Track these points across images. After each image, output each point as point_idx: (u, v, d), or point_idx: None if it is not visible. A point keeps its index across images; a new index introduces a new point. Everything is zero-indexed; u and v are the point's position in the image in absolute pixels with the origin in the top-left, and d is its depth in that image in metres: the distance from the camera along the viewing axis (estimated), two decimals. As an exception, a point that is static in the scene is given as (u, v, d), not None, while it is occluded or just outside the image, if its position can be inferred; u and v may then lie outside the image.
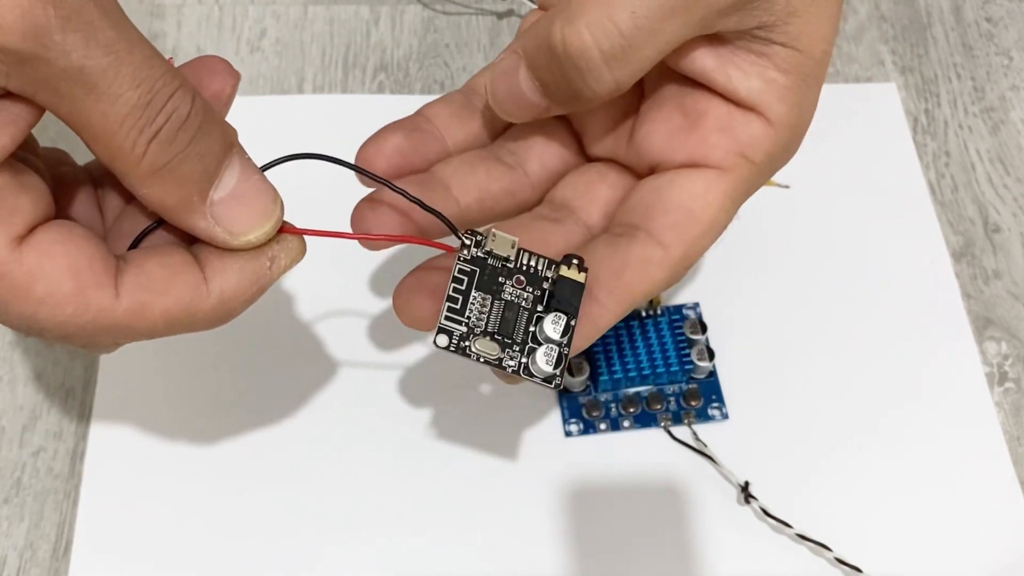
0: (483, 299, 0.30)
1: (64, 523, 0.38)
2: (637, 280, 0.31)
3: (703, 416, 0.41)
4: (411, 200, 0.30)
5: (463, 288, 0.30)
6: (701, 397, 0.41)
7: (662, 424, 0.41)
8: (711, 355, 0.41)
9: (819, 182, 0.47)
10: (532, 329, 0.30)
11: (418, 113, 0.35)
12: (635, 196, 0.33)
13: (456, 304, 0.30)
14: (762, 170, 0.33)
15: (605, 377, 0.40)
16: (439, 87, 0.49)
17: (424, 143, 0.34)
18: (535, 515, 0.39)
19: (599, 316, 0.31)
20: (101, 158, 0.26)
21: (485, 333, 0.30)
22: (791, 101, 0.32)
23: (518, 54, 0.31)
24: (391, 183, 0.30)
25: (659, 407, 0.41)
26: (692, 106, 0.32)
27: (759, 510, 0.39)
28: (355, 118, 0.47)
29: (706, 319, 0.43)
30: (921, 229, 0.46)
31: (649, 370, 0.41)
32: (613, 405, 0.41)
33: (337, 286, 0.43)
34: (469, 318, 0.30)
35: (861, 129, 0.48)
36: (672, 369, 0.41)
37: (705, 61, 0.31)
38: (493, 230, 0.30)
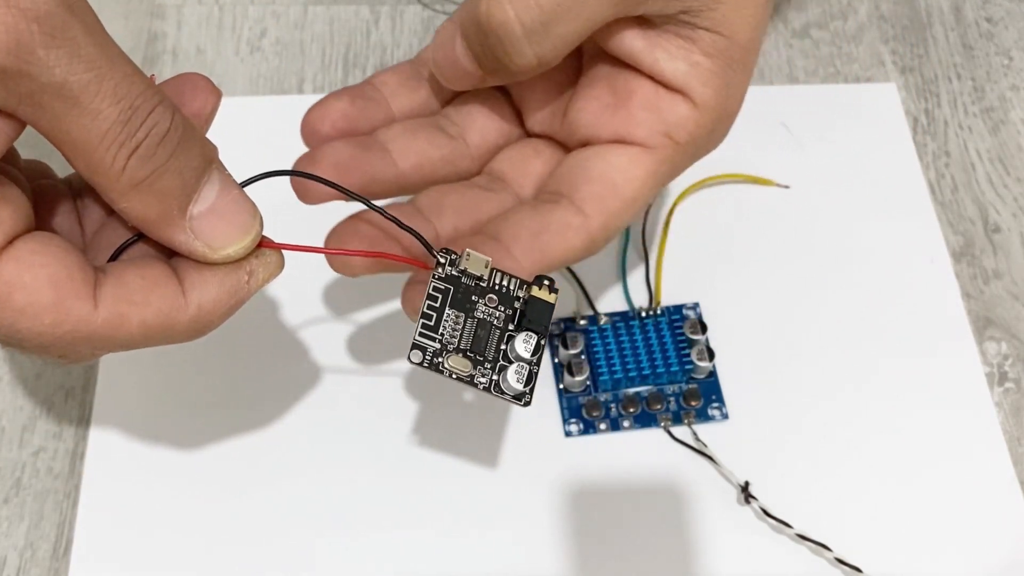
0: (456, 317, 0.31)
1: (64, 523, 0.38)
2: (554, 243, 0.33)
3: (703, 416, 0.41)
4: (388, 218, 0.31)
5: (437, 306, 0.30)
6: (701, 397, 0.41)
7: (662, 424, 0.41)
8: (711, 355, 0.41)
9: (819, 182, 0.47)
10: (503, 347, 0.31)
11: (367, 81, 0.36)
12: (563, 166, 0.34)
13: (430, 321, 0.30)
14: (686, 151, 0.34)
15: (605, 377, 0.40)
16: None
17: (369, 109, 0.35)
18: (535, 515, 0.39)
19: (511, 272, 0.32)
20: (82, 172, 0.26)
21: (458, 350, 0.30)
22: (716, 85, 0.33)
23: (455, 24, 0.32)
24: (368, 201, 0.31)
25: (659, 407, 0.41)
26: (622, 86, 0.34)
27: (759, 510, 0.39)
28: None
29: (706, 319, 0.43)
30: (921, 229, 0.46)
31: (649, 370, 0.41)
32: (613, 405, 0.41)
33: (337, 288, 0.43)
34: (443, 335, 0.30)
35: (861, 129, 0.48)
36: (672, 369, 0.41)
37: (634, 43, 0.33)
38: (468, 250, 0.31)
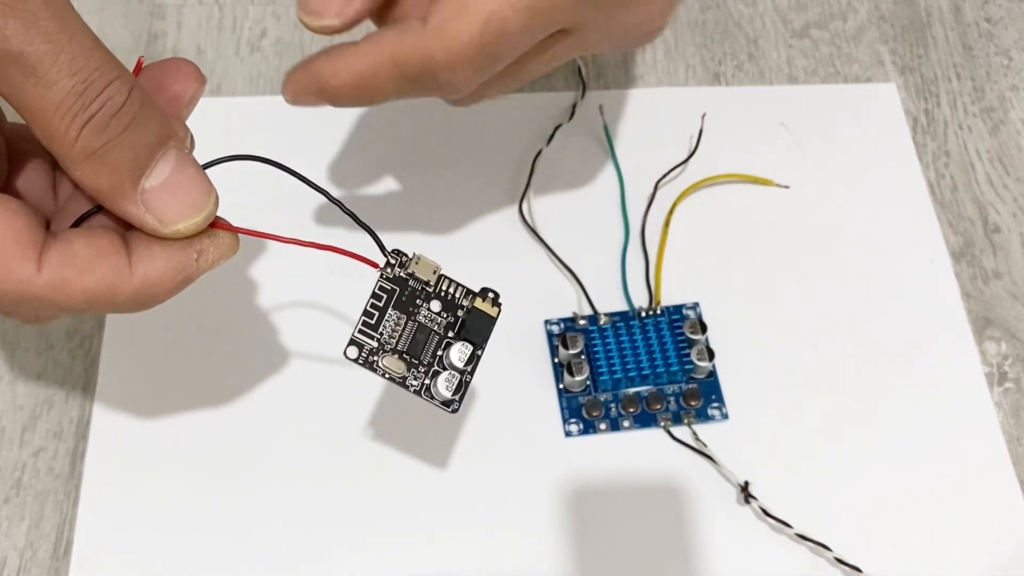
0: (398, 318, 0.31)
1: (64, 523, 0.38)
2: (394, 41, 0.34)
3: (703, 416, 0.41)
4: (346, 212, 0.31)
5: (381, 305, 0.31)
6: (701, 397, 0.41)
7: (662, 424, 0.41)
8: (711, 355, 0.41)
9: (819, 182, 0.47)
10: (440, 353, 0.31)
11: None
12: None
13: (371, 320, 0.31)
14: None
15: (605, 377, 0.40)
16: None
17: None
18: (535, 515, 0.39)
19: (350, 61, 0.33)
20: (40, 139, 0.27)
21: (395, 351, 0.31)
22: None
23: None
24: (329, 194, 0.31)
25: (659, 407, 0.41)
26: None
27: (759, 510, 0.39)
28: (354, 119, 0.47)
29: (706, 319, 0.43)
30: (921, 229, 0.46)
31: (649, 370, 0.41)
32: (613, 405, 0.41)
33: (342, 289, 0.43)
34: (382, 335, 0.31)
35: (861, 129, 0.48)
36: (672, 369, 0.41)
37: None
38: (417, 254, 0.31)
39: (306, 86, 0.36)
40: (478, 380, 0.41)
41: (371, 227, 0.31)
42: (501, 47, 0.33)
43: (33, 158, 0.31)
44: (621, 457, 0.40)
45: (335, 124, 0.47)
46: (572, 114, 0.47)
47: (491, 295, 0.32)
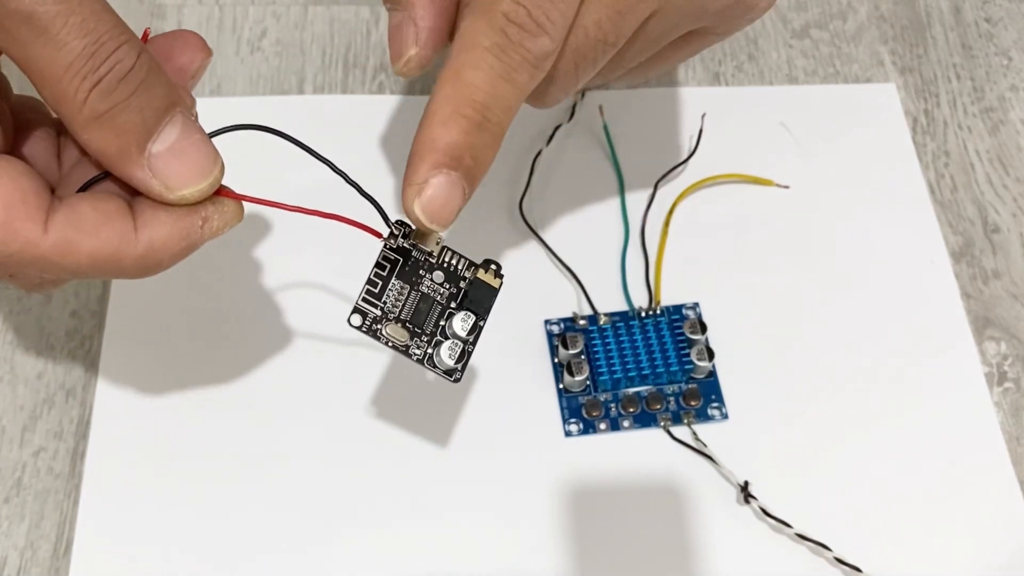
0: (401, 288, 0.31)
1: (64, 523, 0.38)
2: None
3: (703, 416, 0.41)
4: (350, 183, 0.31)
5: (384, 275, 0.31)
6: (701, 397, 0.41)
7: (662, 424, 0.41)
8: (711, 355, 0.41)
9: (819, 182, 0.47)
10: (442, 323, 0.32)
11: None
12: None
13: (375, 288, 0.31)
14: None
15: (605, 377, 0.40)
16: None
17: None
18: (535, 515, 0.39)
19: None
20: (47, 101, 0.28)
21: (398, 320, 0.31)
22: None
23: None
24: (333, 164, 0.31)
25: (659, 407, 0.41)
26: None
27: (759, 510, 0.39)
28: (355, 118, 0.47)
29: (706, 319, 0.43)
30: (921, 229, 0.46)
31: (649, 370, 0.41)
32: (613, 405, 0.41)
33: (344, 287, 0.43)
34: (385, 303, 0.31)
35: (861, 129, 0.48)
36: (672, 369, 0.41)
37: None
38: None
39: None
40: (477, 379, 0.41)
41: (376, 200, 0.31)
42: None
43: (38, 127, 0.31)
44: (621, 457, 0.40)
45: (335, 125, 0.47)
46: (572, 114, 0.47)
47: (493, 267, 0.32)
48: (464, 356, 0.32)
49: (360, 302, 0.31)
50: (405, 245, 0.32)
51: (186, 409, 0.40)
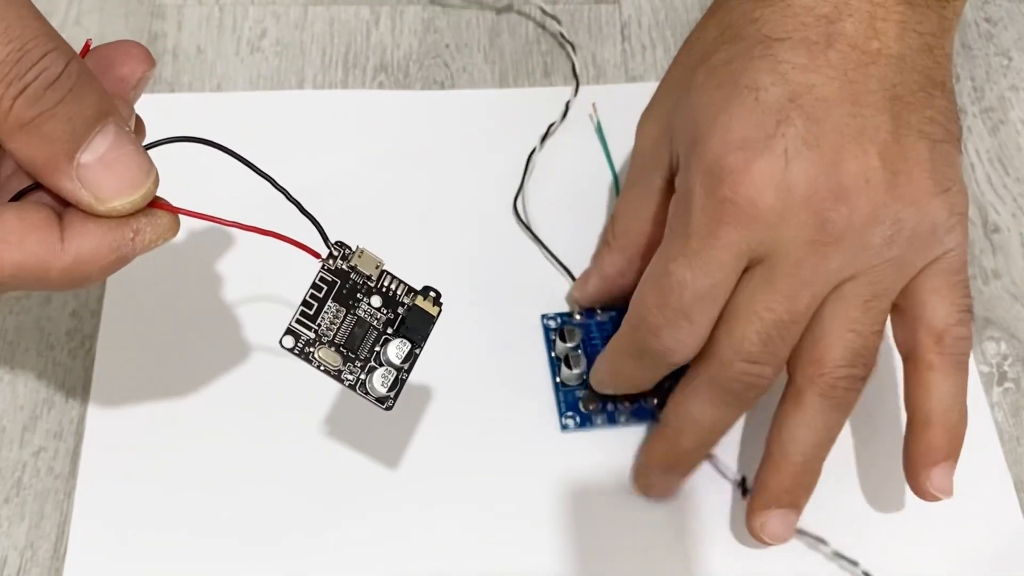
0: (337, 311, 0.31)
1: (64, 523, 0.38)
2: None
3: None
4: (291, 200, 0.30)
5: (320, 296, 0.31)
6: None
7: (659, 418, 0.41)
8: None
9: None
10: (377, 349, 0.31)
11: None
12: None
13: (310, 310, 0.31)
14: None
15: None
16: (439, 87, 0.49)
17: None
18: (530, 509, 0.39)
19: None
20: None
21: (332, 344, 0.31)
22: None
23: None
24: (276, 183, 0.30)
25: (655, 401, 0.41)
26: None
27: None
28: (355, 114, 0.48)
29: None
30: (920, 229, 0.46)
31: None
32: (609, 399, 0.41)
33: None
34: (320, 326, 0.31)
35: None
36: None
37: None
38: (361, 247, 0.31)
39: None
40: (474, 374, 0.41)
41: (316, 218, 0.30)
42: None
43: None
44: (617, 452, 0.40)
45: (334, 124, 0.47)
46: (566, 112, 0.47)
47: (432, 294, 0.32)
48: (397, 384, 0.31)
49: (293, 323, 0.30)
50: (344, 267, 0.31)
51: (181, 408, 0.40)
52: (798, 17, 0.35)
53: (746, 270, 0.34)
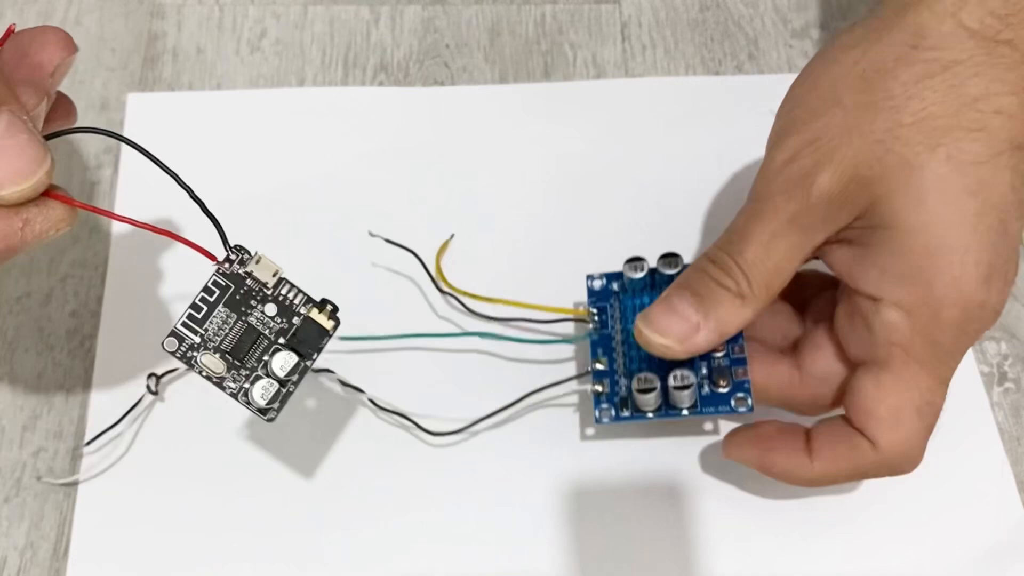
0: (227, 316, 0.30)
1: (64, 523, 0.38)
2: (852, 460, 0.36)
3: (725, 404, 0.37)
4: (195, 200, 0.29)
5: (211, 300, 0.30)
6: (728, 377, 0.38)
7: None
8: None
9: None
10: (266, 359, 0.30)
11: None
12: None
13: (198, 314, 0.30)
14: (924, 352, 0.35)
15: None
16: (439, 87, 0.49)
17: None
18: (534, 511, 0.39)
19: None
20: None
21: (217, 350, 0.30)
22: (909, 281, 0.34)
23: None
24: (181, 180, 0.29)
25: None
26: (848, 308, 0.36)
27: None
28: (355, 111, 0.48)
29: None
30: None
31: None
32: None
33: (353, 285, 0.43)
34: (206, 331, 0.30)
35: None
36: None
37: (841, 262, 0.35)
38: (259, 253, 0.31)
39: (750, 459, 0.37)
40: (472, 379, 0.41)
41: (217, 219, 0.30)
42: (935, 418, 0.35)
43: None
44: (627, 453, 0.40)
45: (336, 116, 0.47)
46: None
47: (329, 307, 0.31)
48: (279, 397, 0.30)
49: (179, 326, 0.30)
50: (239, 272, 0.30)
51: (182, 409, 0.40)
52: (1016, 119, 0.32)
53: None
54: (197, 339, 0.30)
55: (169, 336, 0.30)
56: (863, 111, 0.33)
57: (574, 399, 0.41)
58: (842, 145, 0.33)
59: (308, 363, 0.31)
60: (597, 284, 0.41)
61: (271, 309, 0.31)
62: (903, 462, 0.34)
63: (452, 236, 0.44)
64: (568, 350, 0.42)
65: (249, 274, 0.30)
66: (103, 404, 0.40)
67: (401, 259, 0.43)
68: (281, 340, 0.31)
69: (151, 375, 0.38)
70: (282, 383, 0.30)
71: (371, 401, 0.40)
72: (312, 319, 0.31)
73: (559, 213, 0.45)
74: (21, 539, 0.38)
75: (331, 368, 0.40)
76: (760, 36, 0.51)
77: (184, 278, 0.42)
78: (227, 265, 0.30)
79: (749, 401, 0.37)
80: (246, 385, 0.30)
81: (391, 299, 0.43)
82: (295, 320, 0.31)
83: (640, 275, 0.39)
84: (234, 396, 0.30)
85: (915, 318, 0.33)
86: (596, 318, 0.40)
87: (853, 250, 0.34)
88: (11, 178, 0.27)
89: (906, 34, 0.34)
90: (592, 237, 0.45)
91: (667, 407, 0.37)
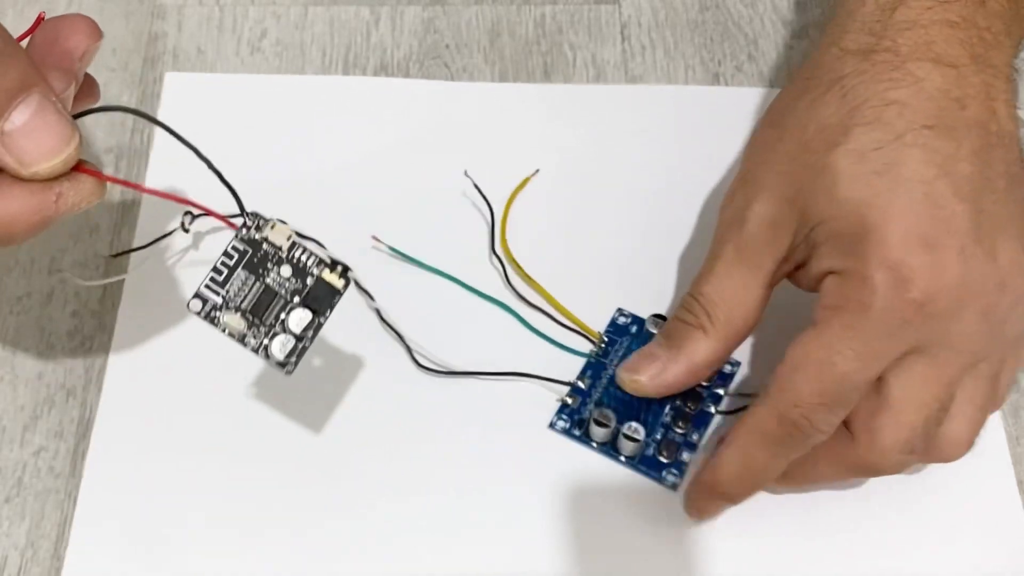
0: (247, 278, 0.33)
1: (65, 522, 0.38)
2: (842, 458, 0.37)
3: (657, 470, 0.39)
4: (213, 171, 0.32)
5: (231, 264, 0.33)
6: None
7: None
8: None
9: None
10: (283, 317, 0.33)
11: None
12: None
13: (220, 276, 0.33)
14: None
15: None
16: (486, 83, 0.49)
17: None
18: (527, 509, 0.39)
19: None
20: None
21: (238, 309, 0.33)
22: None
23: None
24: (200, 153, 0.31)
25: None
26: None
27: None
28: (358, 101, 0.48)
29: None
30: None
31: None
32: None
33: (421, 211, 0.45)
34: (228, 292, 0.33)
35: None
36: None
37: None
38: (276, 219, 0.33)
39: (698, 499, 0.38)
40: (470, 379, 0.42)
41: (234, 187, 0.32)
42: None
43: None
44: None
45: (338, 106, 0.47)
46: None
47: (340, 267, 0.33)
48: (296, 351, 0.33)
49: (203, 288, 0.33)
50: (256, 237, 0.33)
51: (190, 408, 0.40)
52: (935, 101, 0.35)
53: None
54: (220, 300, 0.33)
55: (194, 298, 0.32)
56: (777, 144, 0.38)
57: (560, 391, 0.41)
58: (764, 176, 0.37)
59: (322, 320, 0.33)
60: (622, 320, 0.43)
61: (286, 271, 0.33)
62: (788, 407, 0.34)
63: (534, 172, 0.46)
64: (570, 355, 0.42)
65: (265, 239, 0.33)
66: (114, 399, 0.40)
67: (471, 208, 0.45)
68: (296, 299, 0.33)
69: (187, 213, 0.40)
70: (298, 338, 0.33)
71: (376, 311, 0.41)
72: (324, 279, 0.33)
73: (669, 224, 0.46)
74: (22, 539, 0.38)
75: (351, 266, 0.41)
76: (760, 37, 0.51)
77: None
78: (244, 231, 0.33)
79: (678, 483, 0.39)
80: (265, 341, 0.33)
81: (448, 235, 0.44)
82: (308, 281, 0.33)
83: (656, 332, 0.41)
84: (255, 351, 0.33)
85: (846, 282, 0.34)
86: (603, 345, 0.42)
87: (809, 264, 0.36)
88: (43, 155, 0.29)
89: (804, 73, 0.39)
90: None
91: (612, 447, 0.40)
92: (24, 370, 0.41)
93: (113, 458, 0.39)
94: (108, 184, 0.31)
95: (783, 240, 0.36)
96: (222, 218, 0.33)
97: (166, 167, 0.45)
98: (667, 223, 0.45)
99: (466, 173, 0.45)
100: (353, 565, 0.38)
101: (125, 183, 0.33)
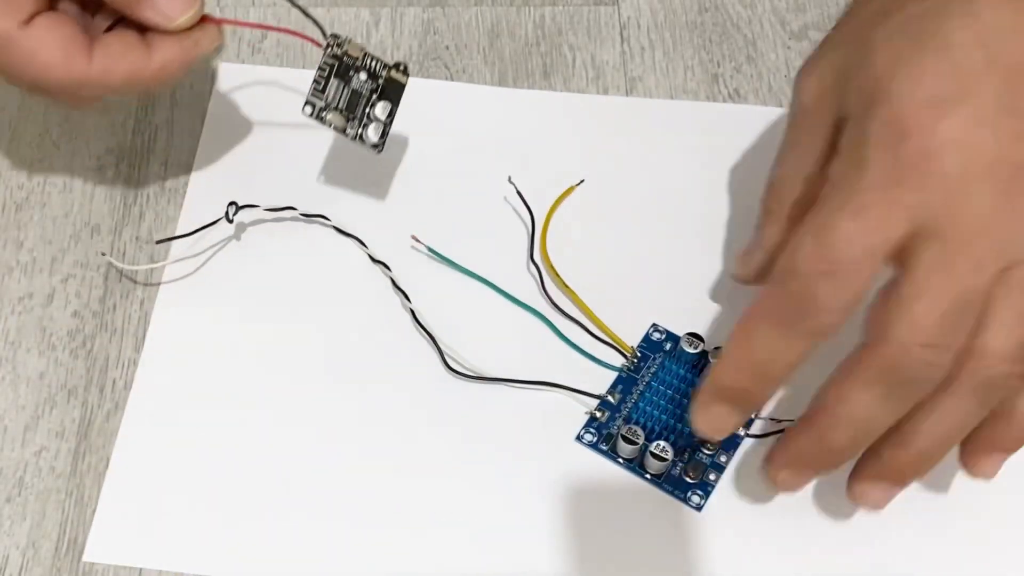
0: (338, 85, 0.41)
1: (66, 522, 0.38)
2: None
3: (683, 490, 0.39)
4: (295, 6, 0.41)
5: (325, 75, 0.41)
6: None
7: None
8: None
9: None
10: (368, 111, 0.41)
11: None
12: None
13: (319, 86, 0.41)
14: None
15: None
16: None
17: None
18: (545, 519, 0.39)
19: None
20: None
21: (336, 108, 0.41)
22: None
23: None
24: None
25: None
26: None
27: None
28: (404, 101, 0.48)
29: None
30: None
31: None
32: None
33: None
34: (327, 96, 0.41)
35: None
36: None
37: None
38: (348, 37, 0.40)
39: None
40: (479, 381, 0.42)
41: (315, 17, 0.40)
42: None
43: None
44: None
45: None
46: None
47: (401, 67, 0.41)
48: (383, 132, 0.41)
49: (310, 95, 0.41)
50: (337, 52, 0.41)
51: (216, 400, 0.41)
52: None
53: (909, 244, 0.31)
54: (323, 103, 0.41)
55: (305, 104, 0.41)
56: (842, 22, 0.37)
57: (589, 403, 0.41)
58: (824, 50, 0.37)
59: (395, 107, 0.41)
60: (656, 336, 0.42)
61: (363, 76, 0.41)
62: (788, 278, 0.33)
63: (579, 182, 0.47)
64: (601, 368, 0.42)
65: (345, 53, 0.41)
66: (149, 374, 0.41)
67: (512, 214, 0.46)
68: (375, 96, 0.41)
69: (231, 204, 0.43)
70: (383, 124, 0.41)
71: (411, 312, 0.42)
72: (392, 77, 0.41)
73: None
74: (23, 538, 0.38)
75: (388, 264, 0.44)
76: (758, 38, 0.51)
77: (240, 260, 0.44)
78: (329, 49, 0.40)
79: (703, 504, 0.39)
80: (360, 130, 0.41)
81: (488, 240, 0.45)
82: (380, 80, 0.41)
83: (692, 351, 0.41)
84: (354, 139, 0.41)
85: (848, 142, 0.33)
86: (636, 360, 0.42)
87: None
88: (182, 9, 0.38)
89: None
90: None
91: (639, 465, 0.40)
92: (25, 370, 0.41)
93: (146, 427, 0.40)
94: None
95: (828, 115, 0.35)
96: (308, 38, 0.40)
97: (216, 149, 0.47)
98: (709, 242, 0.45)
99: (510, 179, 0.45)
100: (371, 561, 0.38)
101: (232, 21, 0.40)
